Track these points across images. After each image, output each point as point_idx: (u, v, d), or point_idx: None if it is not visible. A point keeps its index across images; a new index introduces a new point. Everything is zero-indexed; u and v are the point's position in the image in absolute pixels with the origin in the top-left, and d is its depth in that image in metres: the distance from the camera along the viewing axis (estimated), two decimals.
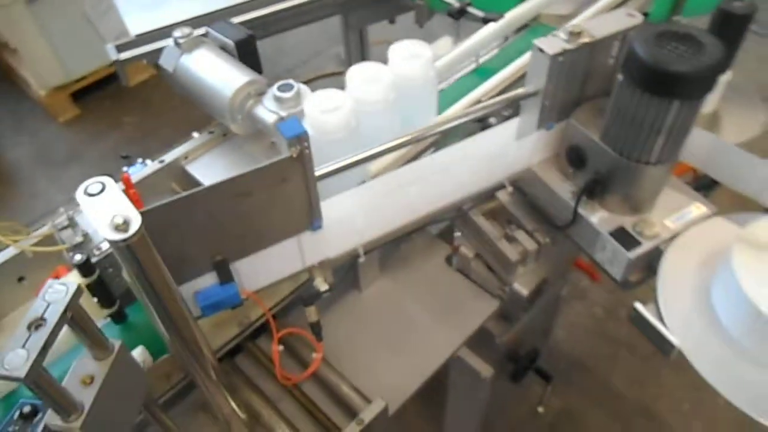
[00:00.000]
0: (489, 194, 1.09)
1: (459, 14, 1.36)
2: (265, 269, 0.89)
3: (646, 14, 1.48)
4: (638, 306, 0.85)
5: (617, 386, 2.04)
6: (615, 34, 0.93)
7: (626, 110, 0.86)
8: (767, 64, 3.12)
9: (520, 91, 0.96)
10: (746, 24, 1.05)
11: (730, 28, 1.04)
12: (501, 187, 1.08)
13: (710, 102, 1.16)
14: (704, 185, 1.14)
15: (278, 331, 0.93)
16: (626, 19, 0.95)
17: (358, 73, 1.02)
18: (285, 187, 0.79)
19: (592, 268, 2.19)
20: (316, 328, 0.98)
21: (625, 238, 0.94)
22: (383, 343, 1.11)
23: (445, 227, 1.25)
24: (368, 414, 0.93)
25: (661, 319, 0.85)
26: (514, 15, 1.30)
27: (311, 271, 0.95)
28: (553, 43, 0.91)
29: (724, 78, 1.12)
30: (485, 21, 1.31)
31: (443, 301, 1.16)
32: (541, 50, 0.91)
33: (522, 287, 1.10)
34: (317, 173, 0.84)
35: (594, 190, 0.96)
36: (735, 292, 0.80)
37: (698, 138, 1.02)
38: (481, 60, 1.33)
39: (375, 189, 0.95)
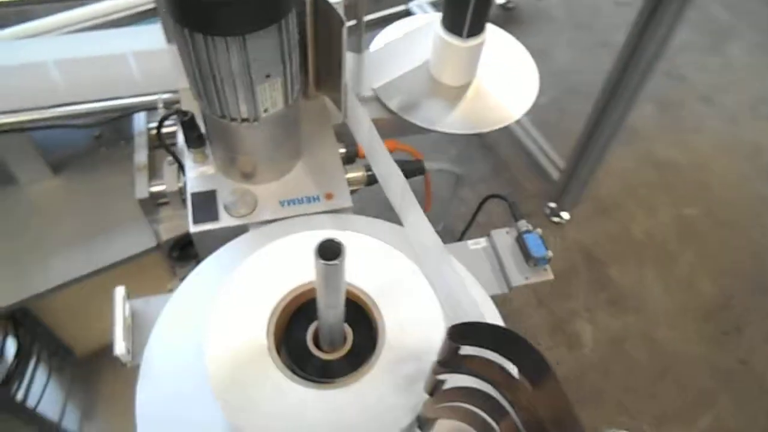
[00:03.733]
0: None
1: None
2: None
3: None
4: None
5: None
6: None
7: (184, 54, 0.63)
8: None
9: None
10: None
11: None
12: None
13: (459, 72, 0.88)
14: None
15: None
16: None
17: None
18: None
19: None
20: None
21: (204, 206, 0.74)
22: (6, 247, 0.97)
23: None
24: None
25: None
26: None
27: None
28: None
29: (474, 43, 0.83)
30: None
31: (107, 221, 1.00)
32: None
33: (164, 232, 0.93)
34: None
35: (191, 138, 0.75)
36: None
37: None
38: None
39: None
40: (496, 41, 0.96)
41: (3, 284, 0.93)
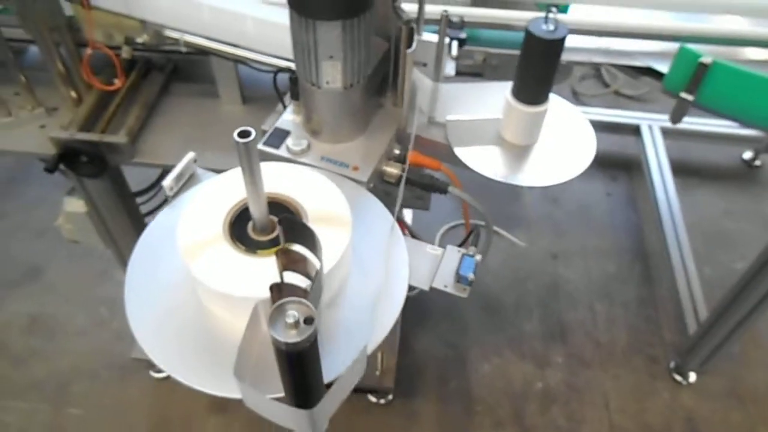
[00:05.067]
0: None
1: None
2: None
3: None
4: None
5: None
6: None
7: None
8: None
9: None
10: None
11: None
12: None
13: (518, 132, 1.00)
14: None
15: None
16: None
17: None
18: None
19: None
20: None
21: (277, 137, 1.01)
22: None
23: None
24: None
25: None
26: None
27: None
28: None
29: (534, 110, 0.96)
30: None
31: None
32: None
33: None
34: None
35: (294, 92, 1.02)
36: None
37: None
38: None
39: None
40: (565, 112, 1.08)
41: (170, 147, 1.34)
